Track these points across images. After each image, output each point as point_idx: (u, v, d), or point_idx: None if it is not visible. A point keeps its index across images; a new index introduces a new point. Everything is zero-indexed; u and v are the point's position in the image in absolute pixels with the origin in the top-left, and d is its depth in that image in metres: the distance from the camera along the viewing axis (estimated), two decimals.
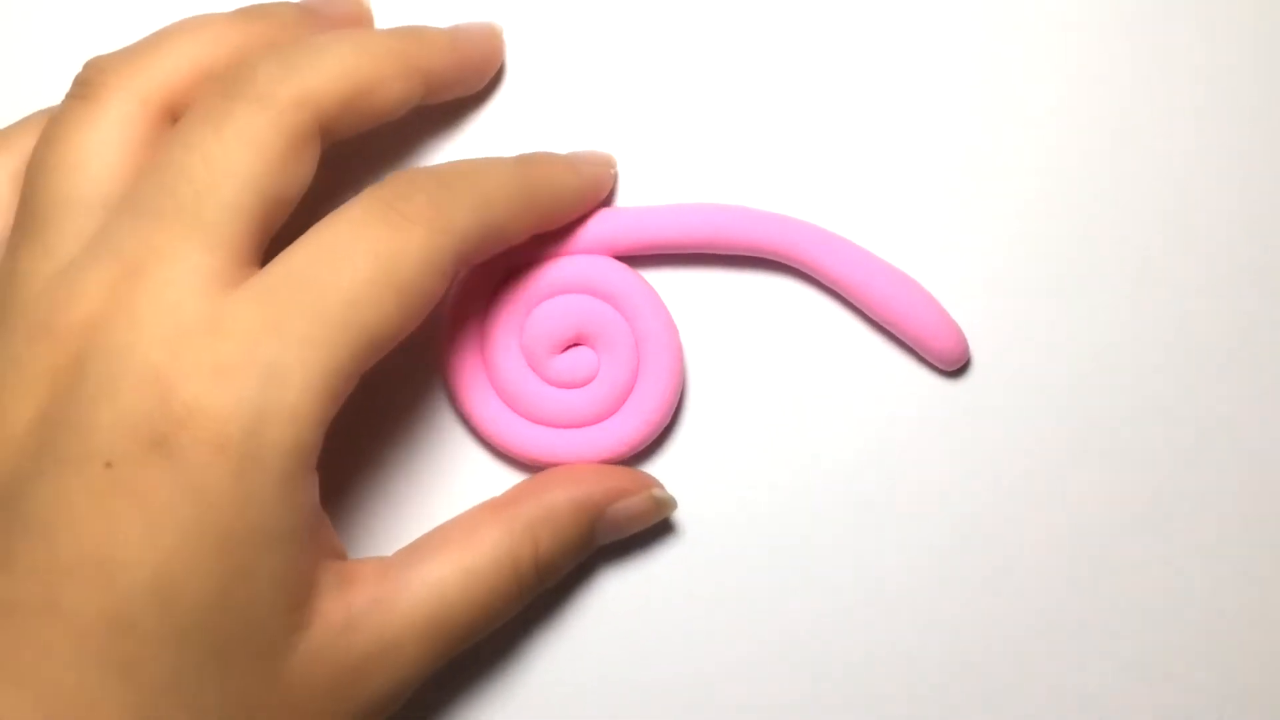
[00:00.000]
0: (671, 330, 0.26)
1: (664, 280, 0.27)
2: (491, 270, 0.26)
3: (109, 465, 0.19)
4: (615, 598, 0.26)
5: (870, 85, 0.27)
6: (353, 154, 0.26)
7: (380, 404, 0.26)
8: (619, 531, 0.25)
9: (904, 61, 0.27)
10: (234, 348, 0.20)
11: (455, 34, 0.26)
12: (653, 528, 0.26)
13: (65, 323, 0.20)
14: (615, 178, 0.27)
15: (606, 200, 0.27)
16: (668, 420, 0.26)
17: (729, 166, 0.27)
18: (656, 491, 0.25)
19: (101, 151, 0.22)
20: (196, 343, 0.20)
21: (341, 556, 0.23)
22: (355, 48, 0.23)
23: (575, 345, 0.26)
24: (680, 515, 0.26)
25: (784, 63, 0.27)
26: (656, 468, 0.27)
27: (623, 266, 0.26)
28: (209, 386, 0.20)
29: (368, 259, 0.21)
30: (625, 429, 0.26)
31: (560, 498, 0.24)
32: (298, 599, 0.21)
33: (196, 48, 0.23)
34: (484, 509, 0.24)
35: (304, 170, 0.22)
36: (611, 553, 0.26)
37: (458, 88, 0.26)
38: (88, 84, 0.23)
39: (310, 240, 0.21)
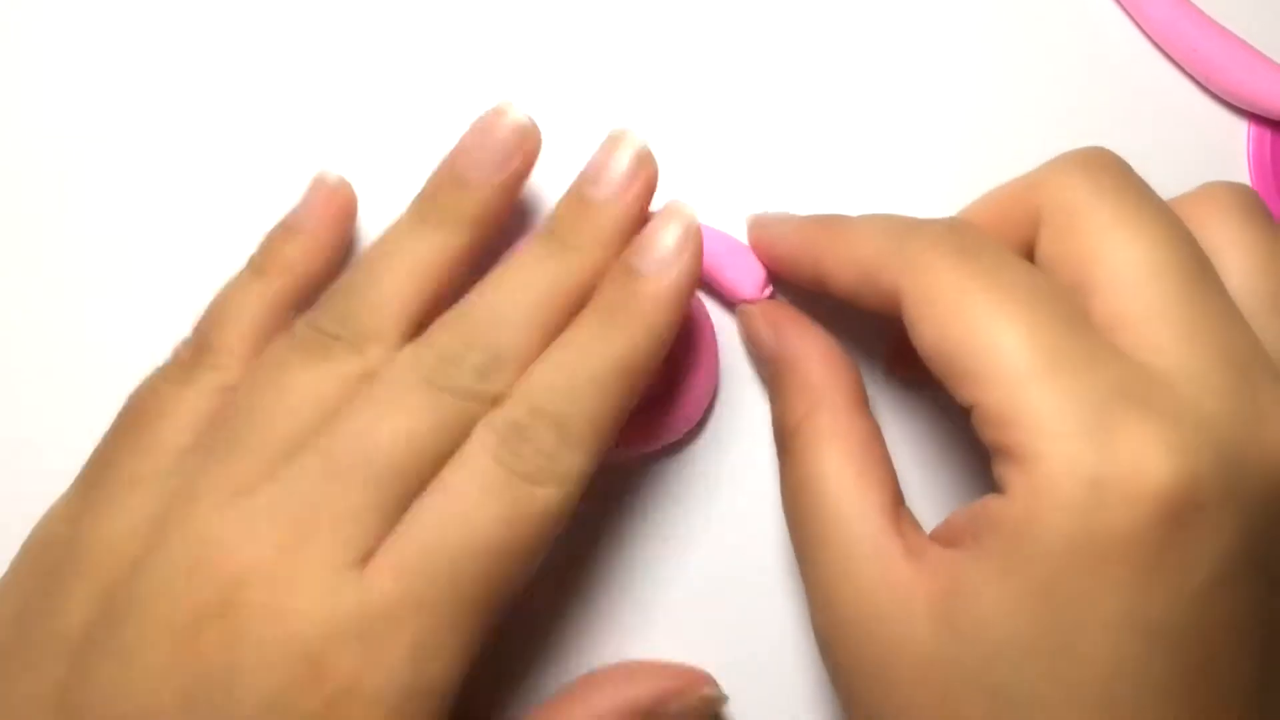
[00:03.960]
0: (705, 326, 0.25)
1: None
2: None
3: None
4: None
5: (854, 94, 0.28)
6: None
7: None
8: None
9: (890, 71, 0.28)
10: (382, 627, 0.20)
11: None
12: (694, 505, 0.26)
13: (223, 567, 0.20)
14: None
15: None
16: (700, 413, 0.26)
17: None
18: (707, 690, 0.25)
19: (317, 397, 0.22)
20: (347, 619, 0.20)
21: None
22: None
23: None
24: (703, 516, 0.27)
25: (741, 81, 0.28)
26: (684, 461, 0.26)
27: None
28: (360, 665, 0.19)
29: (499, 528, 0.21)
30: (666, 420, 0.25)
31: (605, 707, 0.24)
32: None
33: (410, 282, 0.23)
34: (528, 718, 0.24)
35: None
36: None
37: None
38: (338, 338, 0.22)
39: (438, 499, 0.21)
